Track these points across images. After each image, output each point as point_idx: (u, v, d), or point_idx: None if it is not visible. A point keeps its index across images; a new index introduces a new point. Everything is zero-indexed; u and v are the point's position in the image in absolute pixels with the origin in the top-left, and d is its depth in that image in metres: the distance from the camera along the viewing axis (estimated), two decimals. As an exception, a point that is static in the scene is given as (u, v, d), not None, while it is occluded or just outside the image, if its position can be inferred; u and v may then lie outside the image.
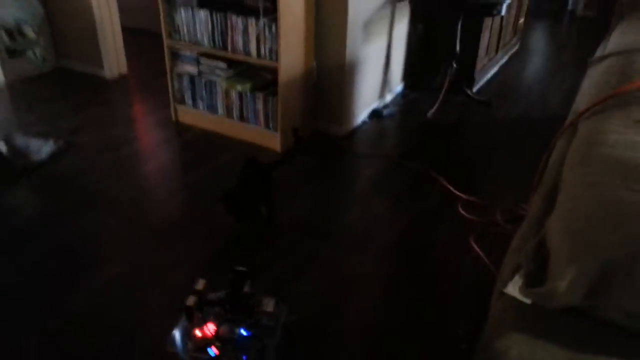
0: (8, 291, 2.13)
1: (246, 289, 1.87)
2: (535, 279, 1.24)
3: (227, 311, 1.85)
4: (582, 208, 1.25)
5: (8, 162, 2.95)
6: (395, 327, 2.02)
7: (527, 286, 1.22)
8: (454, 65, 3.81)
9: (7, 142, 3.14)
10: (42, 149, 3.11)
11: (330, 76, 3.30)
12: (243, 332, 1.78)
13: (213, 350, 1.72)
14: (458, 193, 2.83)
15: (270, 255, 2.36)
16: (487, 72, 4.46)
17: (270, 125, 3.20)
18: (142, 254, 2.35)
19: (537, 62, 5.13)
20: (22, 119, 3.55)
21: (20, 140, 3.20)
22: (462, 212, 2.68)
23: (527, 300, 1.21)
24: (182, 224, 2.57)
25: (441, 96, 3.82)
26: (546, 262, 1.25)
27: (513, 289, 1.25)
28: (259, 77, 3.25)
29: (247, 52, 3.07)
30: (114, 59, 4.27)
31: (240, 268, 1.84)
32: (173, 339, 1.76)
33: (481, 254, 2.37)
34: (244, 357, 1.70)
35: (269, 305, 1.87)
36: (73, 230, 2.49)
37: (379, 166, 3.14)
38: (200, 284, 1.86)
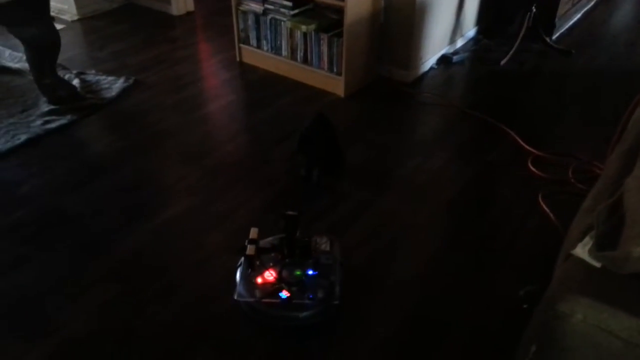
0: (77, 220, 2.24)
1: (298, 234, 1.90)
2: (607, 241, 1.15)
3: (285, 255, 1.88)
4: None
5: (82, 98, 3.05)
6: (449, 282, 1.98)
7: (597, 249, 1.14)
8: (533, 9, 3.55)
9: (81, 78, 3.25)
10: (112, 86, 3.20)
11: (399, 18, 3.16)
12: (310, 272, 1.84)
13: (284, 293, 1.77)
14: (528, 147, 2.69)
15: (326, 202, 2.35)
16: (569, 19, 4.14)
17: (334, 69, 3.13)
18: (202, 194, 2.40)
19: (626, 8, 4.69)
20: (95, 55, 3.65)
21: (92, 76, 3.30)
22: (532, 167, 2.55)
23: (597, 264, 1.14)
24: (240, 166, 2.59)
25: (517, 43, 3.59)
26: (621, 225, 1.16)
27: (582, 250, 1.18)
28: (324, 18, 3.16)
29: (313, -9, 2.98)
30: (182, -4, 4.28)
31: (291, 212, 1.86)
32: (239, 288, 1.81)
33: (549, 212, 2.26)
34: (310, 295, 1.77)
35: (324, 244, 1.93)
36: (138, 167, 2.57)
37: (445, 115, 3.03)
38: (253, 233, 1.89)
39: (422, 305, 1.89)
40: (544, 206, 2.30)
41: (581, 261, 1.17)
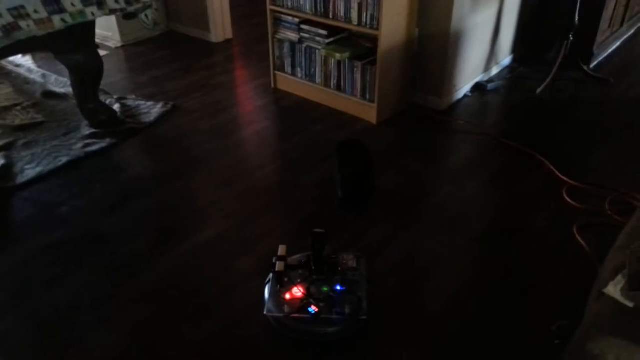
0: (110, 242, 2.30)
1: (325, 252, 1.96)
2: (641, 281, 1.12)
3: (312, 272, 1.95)
4: None
5: (121, 122, 3.16)
6: (479, 313, 1.94)
7: (631, 289, 1.12)
8: (571, 37, 3.51)
9: (121, 103, 3.36)
10: (151, 110, 3.30)
11: (433, 45, 3.17)
12: (338, 287, 1.90)
13: (313, 309, 1.82)
14: (563, 177, 2.64)
15: (356, 229, 2.36)
16: (608, 47, 4.07)
17: (367, 96, 3.16)
18: (234, 219, 2.43)
19: (669, 36, 4.60)
20: (135, 81, 3.78)
21: (132, 101, 3.42)
22: (567, 198, 2.50)
23: (629, 304, 1.11)
24: (272, 192, 2.62)
25: (553, 71, 3.55)
26: (656, 264, 1.13)
27: (614, 289, 1.15)
28: (359, 46, 3.20)
29: (348, 19, 3.02)
30: (220, 23, 4.40)
31: (319, 230, 1.93)
32: (268, 304, 1.87)
33: (584, 245, 2.20)
34: (338, 310, 1.82)
35: (351, 261, 2.01)
36: (173, 191, 2.63)
37: (478, 144, 3.00)
38: (282, 250, 1.97)
39: (450, 335, 1.85)
40: (579, 238, 2.25)
41: (614, 300, 1.14)
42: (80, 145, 2.93)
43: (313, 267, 1.95)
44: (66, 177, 2.72)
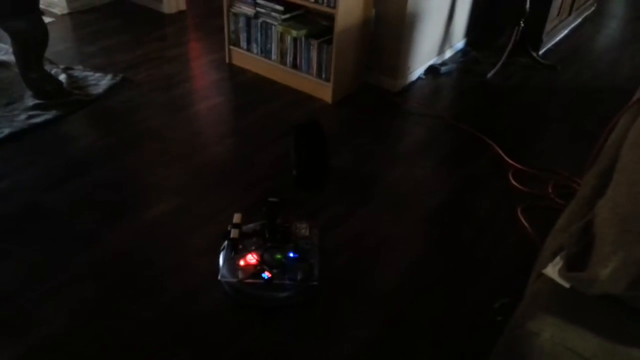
0: (57, 217, 2.24)
1: (278, 220, 2.04)
2: (576, 262, 1.19)
3: (266, 240, 2.01)
4: (637, 193, 1.18)
5: (68, 93, 3.03)
6: (425, 291, 2.01)
7: (567, 269, 1.18)
8: (522, 24, 3.60)
9: (68, 73, 3.23)
10: (99, 82, 3.18)
11: (389, 26, 3.19)
12: (291, 254, 1.96)
13: (266, 274, 1.89)
14: (510, 161, 2.73)
15: (309, 207, 2.37)
16: (556, 35, 4.20)
17: (323, 75, 3.15)
18: (186, 195, 2.40)
19: (612, 28, 4.77)
20: (83, 50, 3.63)
21: (79, 72, 3.29)
22: (513, 181, 2.59)
23: (566, 284, 1.17)
24: (226, 168, 2.60)
25: (504, 57, 3.64)
26: (591, 246, 1.19)
27: (552, 270, 1.21)
28: (315, 24, 3.18)
29: (305, -3, 2.99)
30: (174, -5, 4.26)
31: (273, 199, 2.00)
32: (222, 270, 1.93)
33: (527, 226, 2.30)
34: (290, 276, 1.89)
35: (304, 229, 2.08)
36: (123, 165, 2.56)
37: (430, 126, 3.06)
38: (236, 218, 2.02)
39: (399, 311, 1.91)
40: (522, 219, 2.34)
41: (551, 280, 1.20)
42: (23, 116, 2.80)
43: (267, 235, 2.01)
44: (7, 149, 2.60)
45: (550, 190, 2.52)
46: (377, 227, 2.30)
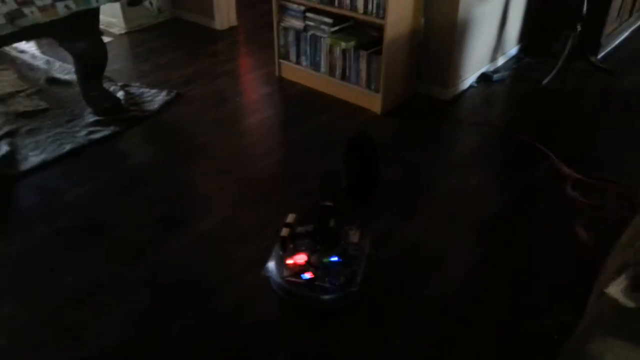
0: (112, 230, 2.31)
1: (331, 224, 2.06)
2: (643, 281, 1.12)
3: (317, 242, 2.04)
4: None
5: (125, 110, 3.15)
6: (478, 305, 1.95)
7: (633, 289, 1.11)
8: (578, 28, 3.47)
9: (125, 90, 3.35)
10: (154, 98, 3.29)
11: (439, 35, 3.14)
12: (334, 258, 1.98)
13: (307, 275, 1.92)
14: (568, 171, 2.62)
15: (360, 218, 2.35)
16: (616, 38, 4.03)
17: (372, 86, 3.14)
18: (236, 208, 2.43)
19: (678, 26, 4.54)
20: (139, 68, 3.76)
21: (136, 89, 3.41)
22: (571, 192, 2.48)
23: (631, 304, 1.10)
24: (276, 181, 2.62)
25: (560, 62, 3.51)
26: (659, 264, 1.12)
27: (616, 289, 1.14)
28: (364, 35, 3.17)
29: (353, 7, 2.99)
30: (225, 10, 4.37)
31: (327, 203, 2.03)
32: (267, 267, 1.98)
33: (588, 240, 2.19)
34: (332, 280, 1.90)
35: (354, 236, 2.08)
36: (175, 179, 2.63)
37: (483, 135, 2.99)
38: (290, 218, 2.05)
39: (449, 325, 1.86)
40: (582, 233, 2.24)
41: (615, 300, 1.13)
42: (83, 132, 2.93)
43: (317, 238, 2.04)
44: (69, 164, 2.72)
45: (612, 202, 2.40)
46: (429, 239, 2.25)
